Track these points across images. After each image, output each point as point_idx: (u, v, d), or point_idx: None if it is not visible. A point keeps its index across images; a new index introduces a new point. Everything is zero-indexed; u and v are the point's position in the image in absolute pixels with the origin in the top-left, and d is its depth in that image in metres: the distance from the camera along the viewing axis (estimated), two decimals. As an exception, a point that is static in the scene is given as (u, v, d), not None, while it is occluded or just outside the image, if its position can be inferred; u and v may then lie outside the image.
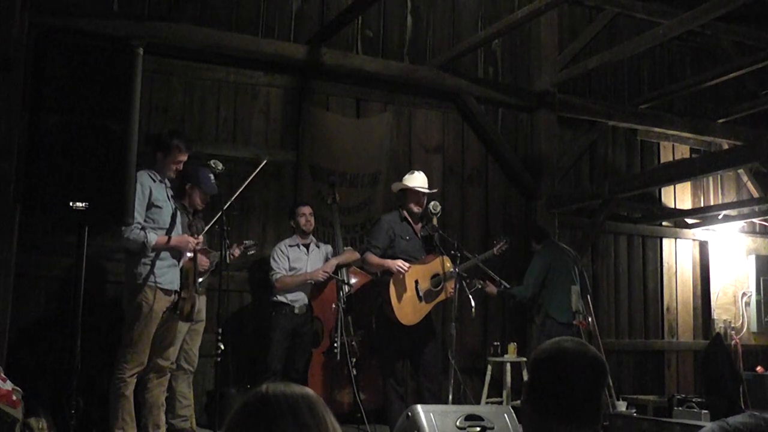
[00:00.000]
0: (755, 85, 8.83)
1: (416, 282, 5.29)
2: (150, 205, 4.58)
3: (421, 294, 5.29)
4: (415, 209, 5.41)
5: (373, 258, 5.32)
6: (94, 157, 3.37)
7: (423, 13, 7.38)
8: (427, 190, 5.50)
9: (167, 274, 4.60)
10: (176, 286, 4.66)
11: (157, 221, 4.61)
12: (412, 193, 5.43)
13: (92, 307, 5.36)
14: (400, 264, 5.21)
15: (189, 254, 4.70)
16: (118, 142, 3.41)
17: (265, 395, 1.35)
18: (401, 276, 5.23)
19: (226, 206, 4.88)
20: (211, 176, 5.02)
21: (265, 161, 5.57)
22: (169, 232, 4.61)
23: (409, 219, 5.45)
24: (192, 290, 4.74)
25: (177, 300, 4.65)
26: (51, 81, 3.36)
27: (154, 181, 4.65)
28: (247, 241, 5.49)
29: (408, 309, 5.24)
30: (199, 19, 6.30)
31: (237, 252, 5.35)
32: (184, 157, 4.75)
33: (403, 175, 5.68)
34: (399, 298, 5.20)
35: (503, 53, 7.78)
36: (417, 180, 5.48)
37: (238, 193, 5.26)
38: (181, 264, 4.70)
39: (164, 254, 4.59)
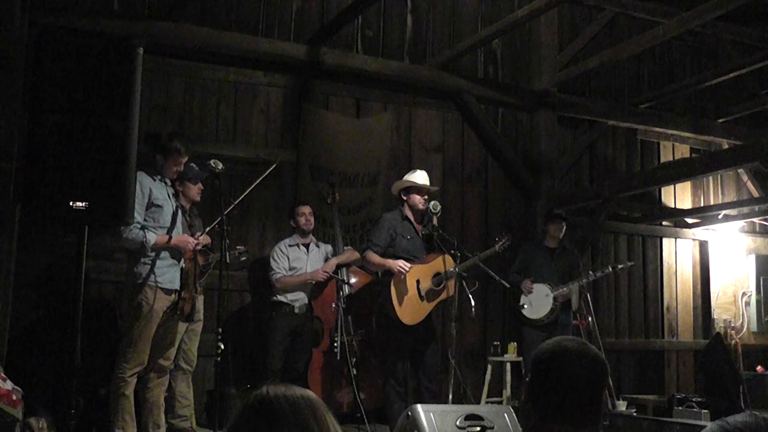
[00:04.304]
0: (755, 85, 8.82)
1: (417, 281, 5.28)
2: (150, 205, 4.58)
3: (422, 293, 5.28)
4: (420, 206, 5.40)
5: (373, 257, 5.31)
6: (94, 157, 3.37)
7: (423, 12, 7.38)
8: (431, 187, 5.52)
9: (167, 274, 4.60)
10: (177, 285, 4.65)
11: (158, 220, 4.61)
12: (416, 189, 5.42)
13: (92, 307, 5.38)
14: (401, 264, 5.20)
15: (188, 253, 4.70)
16: (118, 141, 3.42)
17: (266, 397, 1.35)
18: (402, 276, 5.22)
19: (228, 209, 4.87)
20: (193, 165, 5.01)
21: (275, 164, 5.56)
22: (169, 231, 4.61)
23: (411, 218, 5.44)
24: (192, 290, 4.74)
25: (177, 300, 4.65)
26: (51, 80, 3.36)
27: (154, 180, 4.64)
28: (239, 247, 5.48)
29: (409, 309, 5.24)
30: (199, 18, 6.30)
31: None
32: (183, 160, 4.74)
33: (403, 175, 5.68)
34: (400, 297, 5.20)
35: (503, 53, 7.78)
36: (420, 177, 5.48)
37: (243, 196, 5.24)
38: (182, 264, 4.71)
39: (164, 254, 4.59)
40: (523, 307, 6.34)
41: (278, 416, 1.32)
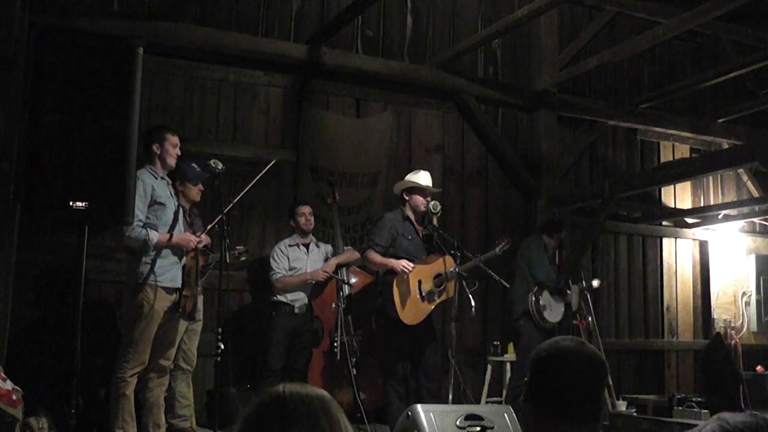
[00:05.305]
0: (755, 85, 8.83)
1: (419, 282, 5.27)
2: (153, 202, 4.57)
3: (423, 294, 5.27)
4: (422, 207, 5.38)
5: (375, 256, 5.28)
6: (94, 157, 3.37)
7: (423, 13, 7.38)
8: (434, 189, 5.51)
9: (169, 272, 4.59)
10: (178, 283, 4.65)
11: (161, 218, 4.60)
12: (419, 190, 5.41)
13: (92, 307, 5.38)
14: (404, 264, 5.18)
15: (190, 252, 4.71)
16: (118, 141, 3.41)
17: (281, 395, 1.36)
18: (405, 276, 5.21)
19: (227, 208, 4.87)
20: (194, 165, 5.02)
21: (273, 161, 5.57)
22: (171, 229, 4.61)
23: (412, 218, 5.42)
24: (194, 288, 4.74)
25: (179, 298, 4.65)
26: (51, 80, 3.36)
27: (156, 178, 4.64)
28: (239, 247, 5.48)
29: (411, 309, 5.23)
30: (199, 18, 6.30)
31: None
32: (177, 139, 4.76)
33: (404, 175, 5.67)
34: (402, 298, 5.19)
35: (503, 53, 7.78)
36: (424, 178, 5.47)
37: (242, 194, 5.25)
38: (183, 262, 4.71)
39: (165, 252, 4.58)
40: (544, 308, 6.17)
41: (291, 415, 1.33)
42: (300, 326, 5.78)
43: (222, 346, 4.54)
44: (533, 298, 6.16)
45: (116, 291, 5.60)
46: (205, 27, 6.25)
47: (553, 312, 6.24)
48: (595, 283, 6.82)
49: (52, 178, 3.31)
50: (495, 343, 6.71)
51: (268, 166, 5.40)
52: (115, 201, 3.42)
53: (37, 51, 3.44)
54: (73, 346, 3.42)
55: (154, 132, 4.74)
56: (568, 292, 6.38)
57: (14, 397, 4.03)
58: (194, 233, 4.85)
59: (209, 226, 5.05)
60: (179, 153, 4.77)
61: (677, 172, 6.95)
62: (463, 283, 5.14)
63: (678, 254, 8.59)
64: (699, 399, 5.97)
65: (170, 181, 4.79)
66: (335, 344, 5.50)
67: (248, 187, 5.30)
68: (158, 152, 4.68)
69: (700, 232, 8.68)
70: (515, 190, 7.63)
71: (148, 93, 5.96)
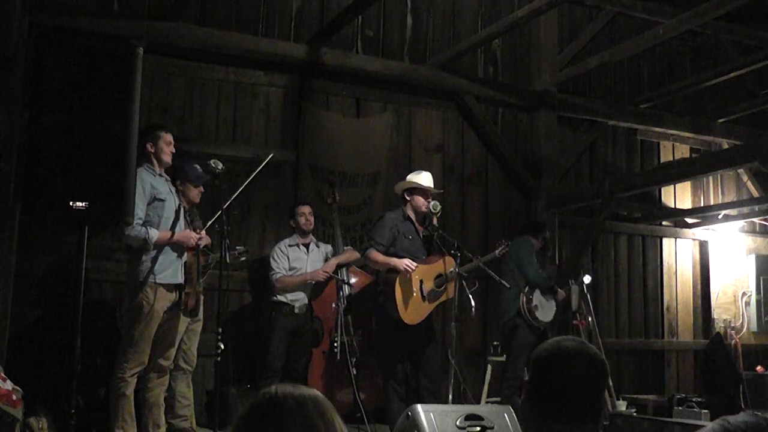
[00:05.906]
0: (755, 85, 8.83)
1: (421, 282, 5.27)
2: (153, 199, 4.58)
3: (425, 294, 5.27)
4: (423, 208, 5.37)
5: (377, 255, 5.25)
6: (94, 157, 3.37)
7: (423, 13, 7.38)
8: (436, 190, 5.51)
9: (169, 269, 4.59)
10: (178, 279, 4.65)
11: (161, 215, 4.60)
12: (421, 191, 5.40)
13: (92, 307, 5.38)
14: (407, 263, 5.16)
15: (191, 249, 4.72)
16: (118, 141, 3.41)
17: (274, 396, 1.36)
18: (408, 275, 5.20)
19: (226, 205, 4.88)
20: (197, 166, 5.02)
21: (272, 155, 5.58)
22: (173, 226, 4.61)
23: (413, 218, 5.42)
24: (195, 285, 4.74)
25: (179, 296, 4.65)
26: (51, 80, 3.36)
27: (154, 175, 4.65)
28: (239, 247, 5.48)
29: (412, 308, 5.22)
30: (199, 18, 6.30)
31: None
32: (170, 137, 4.77)
33: (404, 175, 5.66)
34: (404, 297, 5.18)
35: (503, 53, 7.78)
36: (425, 179, 5.46)
37: (240, 190, 5.26)
38: (184, 259, 4.71)
39: (166, 249, 4.59)
40: (536, 308, 6.17)
41: (286, 415, 1.33)
42: (300, 326, 5.79)
43: (222, 346, 4.54)
44: (524, 299, 6.16)
45: (116, 291, 5.60)
46: (205, 27, 6.24)
47: (545, 312, 6.24)
48: (587, 279, 6.81)
49: (52, 178, 3.31)
50: (495, 343, 6.70)
51: (266, 160, 5.42)
52: (115, 201, 3.42)
53: (37, 51, 3.44)
54: (73, 346, 3.42)
55: (147, 131, 4.73)
56: (560, 291, 6.39)
57: (14, 397, 4.03)
58: (194, 231, 4.85)
59: (209, 223, 5.06)
60: (174, 150, 4.78)
61: (677, 172, 6.95)
62: (463, 283, 5.13)
63: (678, 254, 8.59)
64: (699, 399, 5.96)
65: (169, 179, 4.79)
66: (335, 344, 5.50)
67: (247, 181, 5.31)
68: (153, 151, 4.68)
69: (700, 232, 8.69)
70: (515, 190, 7.63)
71: (148, 93, 5.96)
